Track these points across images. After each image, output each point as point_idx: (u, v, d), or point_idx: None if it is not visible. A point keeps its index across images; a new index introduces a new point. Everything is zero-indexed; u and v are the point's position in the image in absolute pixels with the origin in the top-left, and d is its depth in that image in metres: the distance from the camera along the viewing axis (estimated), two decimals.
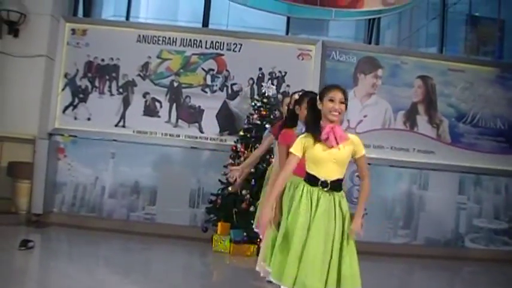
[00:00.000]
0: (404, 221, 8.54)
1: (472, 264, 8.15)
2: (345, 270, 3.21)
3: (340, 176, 3.35)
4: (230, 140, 8.14)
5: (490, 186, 8.67)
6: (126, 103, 8.52)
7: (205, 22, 9.09)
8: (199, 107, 8.53)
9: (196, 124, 8.51)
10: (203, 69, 8.58)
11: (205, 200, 7.97)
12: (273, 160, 5.17)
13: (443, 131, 8.70)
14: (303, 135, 3.40)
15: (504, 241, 8.62)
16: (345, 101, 3.34)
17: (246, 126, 7.73)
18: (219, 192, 7.52)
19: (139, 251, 7.16)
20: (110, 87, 8.55)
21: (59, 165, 8.36)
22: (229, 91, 8.57)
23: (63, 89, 8.53)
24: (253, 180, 7.04)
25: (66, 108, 8.51)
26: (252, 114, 7.69)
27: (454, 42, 9.84)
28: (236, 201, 7.28)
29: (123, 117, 8.48)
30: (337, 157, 3.29)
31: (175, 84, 8.56)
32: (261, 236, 4.62)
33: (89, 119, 8.49)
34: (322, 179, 3.29)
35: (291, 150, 3.38)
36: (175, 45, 8.60)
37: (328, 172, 3.31)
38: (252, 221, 6.46)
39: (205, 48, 8.61)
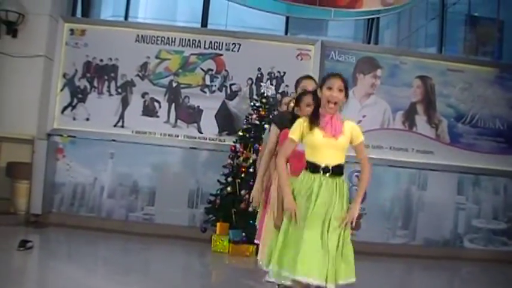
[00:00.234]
0: (403, 221, 8.54)
1: (471, 265, 8.15)
2: (340, 261, 3.22)
3: (340, 162, 3.35)
4: (229, 140, 8.14)
5: (488, 187, 8.67)
6: (125, 103, 8.52)
7: (204, 22, 9.08)
8: (198, 107, 8.53)
9: (195, 124, 8.50)
10: (202, 69, 8.58)
11: (204, 200, 7.97)
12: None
13: (442, 131, 8.70)
14: (301, 119, 3.41)
15: (503, 241, 8.62)
16: (344, 90, 3.34)
17: (245, 126, 7.72)
18: (218, 192, 7.52)
19: (138, 251, 7.16)
20: (108, 87, 8.55)
21: (57, 165, 8.36)
22: (228, 91, 8.57)
23: (61, 89, 8.53)
24: (251, 180, 7.03)
25: (64, 108, 8.51)
26: (251, 115, 7.68)
27: (453, 43, 9.85)
28: (235, 201, 7.28)
29: (121, 117, 8.48)
30: (335, 143, 3.31)
31: (174, 84, 8.56)
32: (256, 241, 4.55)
33: (87, 119, 8.48)
34: (323, 165, 3.30)
35: (289, 135, 3.39)
36: (174, 45, 8.60)
37: (328, 158, 3.32)
38: (250, 222, 6.48)
39: (204, 48, 8.60)
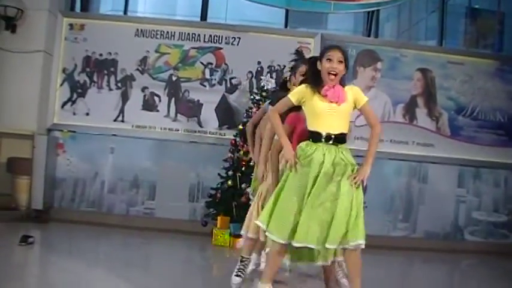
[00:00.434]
0: (404, 214, 8.55)
1: (471, 257, 8.16)
2: (350, 223, 3.22)
3: (343, 130, 3.33)
4: (229, 134, 8.13)
5: (489, 179, 8.67)
6: (125, 98, 8.51)
7: (204, 16, 9.05)
8: (198, 101, 8.51)
9: (195, 118, 8.50)
10: (202, 63, 8.56)
11: (205, 194, 7.97)
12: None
13: (443, 124, 8.69)
14: (303, 86, 3.39)
15: (503, 234, 8.64)
16: (344, 61, 3.32)
17: (245, 120, 7.68)
18: (219, 186, 7.52)
19: (139, 246, 7.16)
20: (108, 82, 8.54)
21: (58, 160, 8.36)
22: (228, 85, 8.55)
23: (61, 84, 8.51)
24: (252, 174, 7.01)
25: (64, 103, 8.50)
26: (251, 108, 7.66)
27: (453, 35, 9.80)
28: (235, 195, 7.28)
29: (121, 111, 8.47)
30: (337, 109, 3.29)
31: (174, 78, 8.54)
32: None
33: (87, 114, 8.48)
34: (325, 133, 3.27)
35: (289, 95, 3.38)
36: (174, 39, 8.58)
37: (331, 126, 3.29)
38: None
39: (204, 41, 8.58)
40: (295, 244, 3.21)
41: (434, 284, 6.33)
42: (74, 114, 8.49)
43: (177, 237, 7.80)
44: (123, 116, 8.47)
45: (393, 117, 8.63)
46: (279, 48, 8.51)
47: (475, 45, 9.73)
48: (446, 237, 8.56)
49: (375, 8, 9.15)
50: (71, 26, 8.56)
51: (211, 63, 8.57)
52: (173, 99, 8.52)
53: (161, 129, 8.46)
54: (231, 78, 8.55)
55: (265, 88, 7.64)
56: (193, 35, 8.60)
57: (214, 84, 8.56)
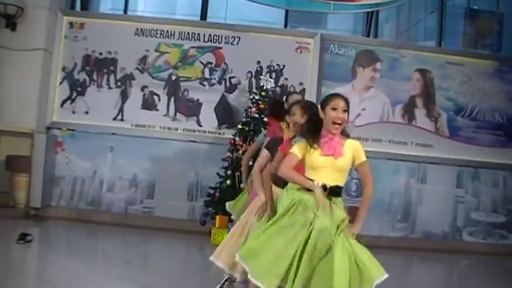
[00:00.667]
0: (402, 214, 8.56)
1: (470, 258, 8.17)
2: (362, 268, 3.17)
3: (340, 183, 3.29)
4: (228, 134, 8.13)
5: (488, 180, 8.68)
6: (124, 96, 8.51)
7: (204, 15, 9.07)
8: (198, 100, 8.52)
9: (195, 117, 8.50)
10: (201, 62, 8.57)
11: (204, 193, 7.97)
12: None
13: (442, 124, 8.70)
14: (302, 141, 3.34)
15: (502, 234, 8.65)
16: (347, 110, 3.28)
17: (244, 119, 7.72)
18: (218, 185, 7.52)
19: (138, 244, 7.17)
20: (108, 80, 8.54)
21: (57, 158, 8.36)
22: (228, 84, 8.56)
23: (61, 83, 8.51)
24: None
25: (64, 101, 8.50)
26: (250, 108, 7.68)
27: (452, 36, 9.83)
28: (234, 194, 7.26)
29: (121, 110, 8.47)
30: (335, 164, 3.24)
31: (174, 77, 8.55)
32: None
33: (87, 112, 8.48)
34: (321, 184, 3.21)
35: (291, 150, 3.31)
36: (173, 38, 8.58)
37: (327, 178, 3.24)
38: None
39: (203, 41, 8.59)
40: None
41: (433, 284, 6.35)
42: (74, 112, 8.49)
43: (175, 236, 7.80)
44: (122, 115, 8.47)
45: (392, 118, 8.63)
46: (278, 48, 8.56)
47: (474, 46, 9.75)
48: (444, 238, 8.57)
49: (375, 9, 9.18)
50: (71, 24, 8.56)
51: (211, 63, 8.58)
52: (172, 99, 8.53)
53: (160, 128, 8.46)
54: (230, 78, 8.56)
55: (264, 88, 7.65)
56: (193, 35, 8.60)
57: (213, 84, 8.56)
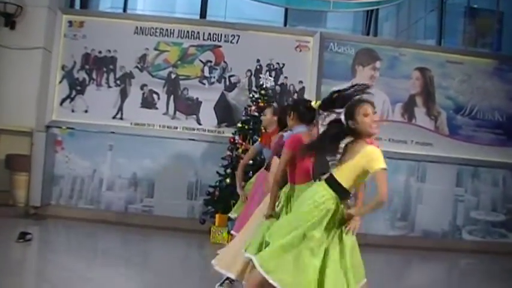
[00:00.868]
0: (402, 213, 8.56)
1: (469, 256, 8.18)
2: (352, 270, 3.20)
3: (343, 183, 3.31)
4: (228, 132, 8.13)
5: (487, 179, 8.69)
6: (124, 95, 8.50)
7: (203, 13, 9.06)
8: (197, 98, 8.51)
9: (194, 116, 8.50)
10: (201, 61, 8.56)
11: (203, 192, 7.97)
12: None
13: (441, 123, 8.70)
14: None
15: (501, 233, 8.65)
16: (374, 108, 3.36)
17: (243, 118, 7.72)
18: (217, 184, 7.53)
19: (138, 243, 7.17)
20: (107, 79, 8.53)
21: (56, 157, 8.35)
22: (227, 83, 8.55)
23: (60, 82, 8.51)
24: (250, 172, 7.03)
25: (63, 100, 8.49)
26: (249, 106, 7.68)
27: (452, 34, 9.82)
28: (234, 193, 7.25)
29: (120, 109, 8.47)
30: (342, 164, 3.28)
31: (173, 76, 8.54)
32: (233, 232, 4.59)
33: (86, 111, 8.47)
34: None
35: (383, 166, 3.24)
36: (173, 37, 8.57)
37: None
38: None
39: (203, 39, 8.58)
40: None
41: (432, 282, 6.36)
42: (73, 111, 8.48)
43: (175, 234, 7.80)
44: (122, 114, 8.46)
45: (392, 116, 8.63)
46: (278, 46, 8.55)
47: (474, 45, 9.74)
48: (444, 236, 8.57)
49: (374, 7, 9.17)
50: (70, 23, 8.55)
51: (211, 61, 8.57)
52: (172, 97, 8.52)
53: (160, 126, 8.45)
54: (230, 76, 8.55)
55: (264, 86, 7.65)
56: (193, 33, 8.59)
57: (213, 82, 8.56)
